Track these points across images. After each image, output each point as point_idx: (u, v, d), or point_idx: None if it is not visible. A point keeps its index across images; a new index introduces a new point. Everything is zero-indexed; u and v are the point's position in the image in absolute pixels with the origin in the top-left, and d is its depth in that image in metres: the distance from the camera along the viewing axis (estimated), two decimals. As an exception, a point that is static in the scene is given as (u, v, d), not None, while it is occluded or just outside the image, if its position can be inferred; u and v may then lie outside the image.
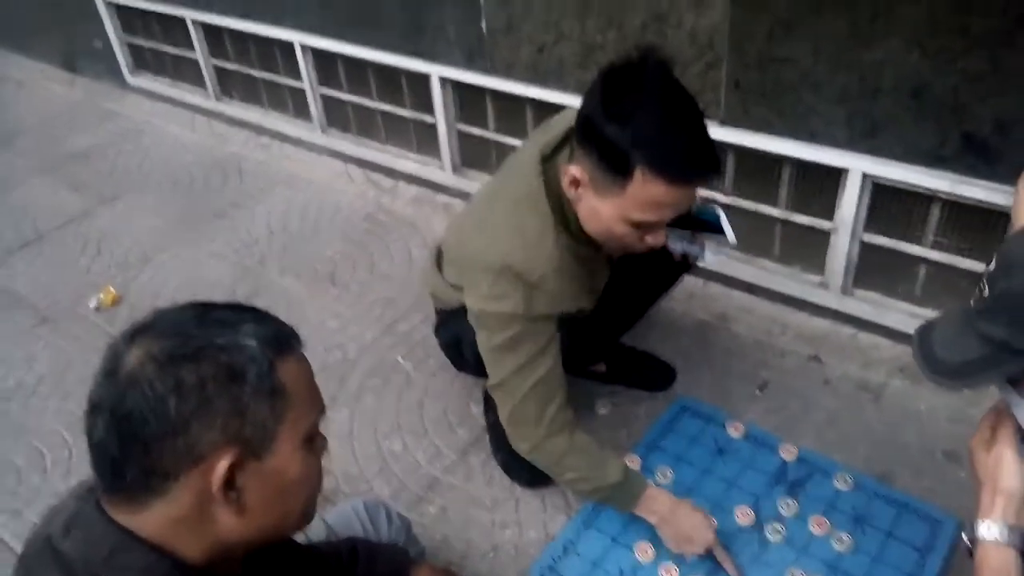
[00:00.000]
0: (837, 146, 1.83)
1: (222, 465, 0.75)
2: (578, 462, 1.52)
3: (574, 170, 1.33)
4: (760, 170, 2.02)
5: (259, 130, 3.37)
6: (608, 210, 1.33)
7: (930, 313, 1.93)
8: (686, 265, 1.70)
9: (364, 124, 3.01)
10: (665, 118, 1.24)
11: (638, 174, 1.25)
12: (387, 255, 2.60)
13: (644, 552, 1.59)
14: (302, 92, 3.09)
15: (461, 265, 1.56)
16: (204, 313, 0.80)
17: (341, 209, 2.87)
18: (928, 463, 1.71)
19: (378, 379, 2.11)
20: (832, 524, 1.59)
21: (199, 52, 3.37)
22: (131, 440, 0.74)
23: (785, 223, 2.07)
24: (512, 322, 1.42)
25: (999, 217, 1.72)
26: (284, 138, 3.28)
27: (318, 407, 0.87)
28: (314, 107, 3.09)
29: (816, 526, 1.59)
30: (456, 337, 1.67)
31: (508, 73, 2.36)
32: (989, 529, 0.95)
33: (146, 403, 0.73)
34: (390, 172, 2.96)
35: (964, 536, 0.99)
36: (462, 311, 1.54)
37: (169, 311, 0.81)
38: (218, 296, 2.42)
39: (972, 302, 0.94)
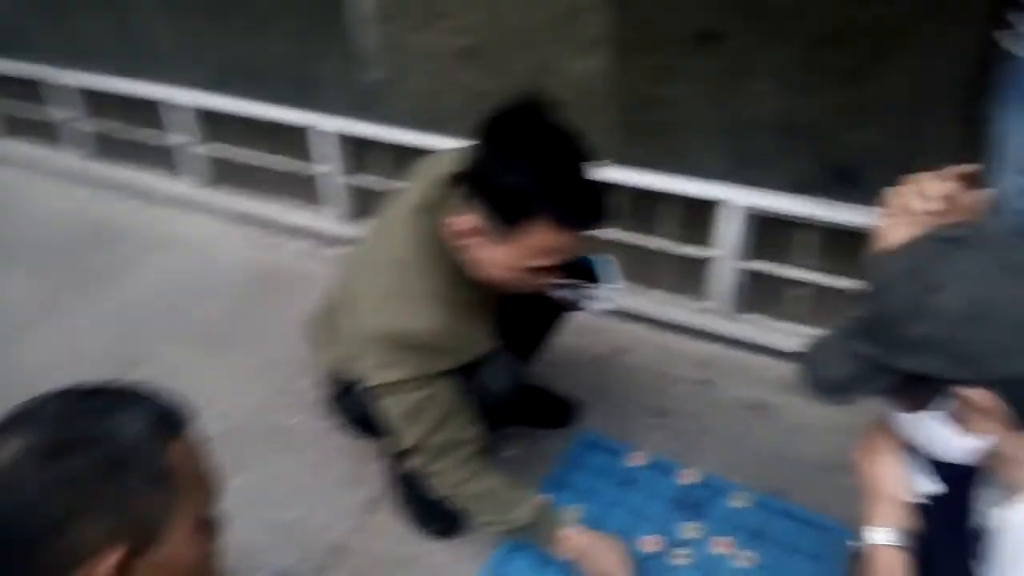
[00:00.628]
0: (717, 179, 1.93)
1: (108, 565, 0.70)
2: (491, 505, 1.51)
3: (467, 220, 1.32)
4: (647, 205, 2.10)
5: (136, 191, 3.24)
6: (503, 257, 1.33)
7: (811, 331, 2.04)
8: (571, 308, 1.71)
9: (247, 179, 2.95)
10: (558, 166, 1.26)
11: (533, 221, 1.26)
12: (277, 314, 2.52)
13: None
14: (181, 149, 3.00)
15: (348, 336, 1.51)
16: (83, 399, 0.76)
17: (227, 268, 2.78)
18: (818, 475, 1.78)
19: (271, 444, 2.02)
20: (735, 543, 1.63)
21: (69, 113, 3.23)
22: (10, 543, 0.68)
23: (671, 254, 2.15)
24: (410, 388, 1.40)
25: (869, 238, 1.85)
26: (163, 198, 3.16)
27: (213, 488, 0.83)
28: (195, 164, 3.00)
29: (720, 547, 1.63)
30: (362, 411, 1.60)
31: (397, 122, 2.38)
32: (876, 534, 1.00)
33: (24, 503, 0.67)
34: (277, 227, 2.90)
35: (854, 543, 1.04)
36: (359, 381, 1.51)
37: (46, 398, 0.76)
38: (100, 369, 2.28)
39: (845, 322, 1.00)
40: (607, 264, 1.53)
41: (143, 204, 3.19)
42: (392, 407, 1.44)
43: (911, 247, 0.92)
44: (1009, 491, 0.92)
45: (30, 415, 0.73)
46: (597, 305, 1.53)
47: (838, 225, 1.85)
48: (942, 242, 0.88)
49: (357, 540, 1.76)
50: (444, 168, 1.44)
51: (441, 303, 1.39)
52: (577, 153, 1.29)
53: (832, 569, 1.56)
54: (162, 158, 3.13)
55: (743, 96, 1.79)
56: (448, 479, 1.50)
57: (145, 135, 3.10)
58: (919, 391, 0.90)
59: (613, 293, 1.53)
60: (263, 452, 2.00)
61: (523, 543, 1.61)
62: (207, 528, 0.80)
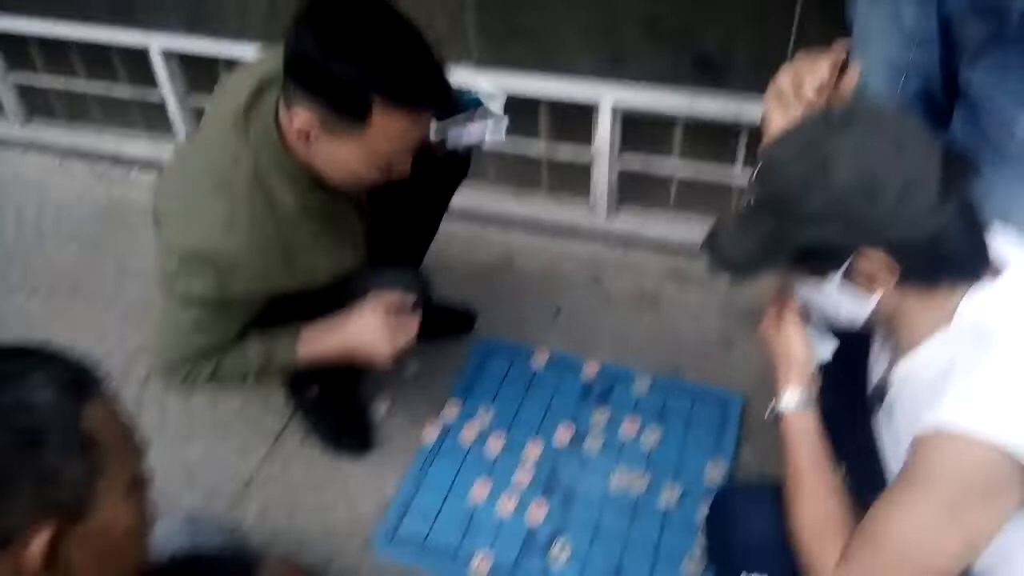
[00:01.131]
0: (586, 79, 1.94)
1: (37, 544, 0.64)
2: (230, 372, 1.42)
3: (300, 120, 1.19)
4: (519, 111, 2.07)
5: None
6: (350, 152, 1.22)
7: (686, 222, 2.14)
8: (463, 161, 1.65)
9: (75, 110, 2.65)
10: (393, 47, 1.16)
11: (377, 109, 1.16)
12: (135, 251, 2.33)
13: (481, 491, 1.62)
14: (-12, 81, 2.64)
15: (162, 242, 1.35)
16: None
17: (65, 208, 2.52)
18: (707, 352, 1.91)
19: (157, 386, 1.90)
20: (641, 423, 1.73)
21: None
22: None
23: (549, 160, 2.17)
24: (207, 307, 1.31)
25: (731, 128, 1.95)
26: (-27, 137, 2.80)
27: (138, 447, 0.77)
28: (5, 98, 2.66)
29: (627, 429, 1.73)
30: None
31: (239, 36, 2.20)
32: (789, 399, 1.08)
33: None
34: (117, 160, 2.64)
35: (770, 409, 1.12)
36: None
37: None
38: (-67, 333, 2.05)
39: (743, 204, 1.05)
40: (481, 96, 1.46)
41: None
42: (177, 316, 1.34)
43: (802, 127, 0.97)
44: (898, 350, 1.02)
45: None
46: (489, 137, 1.46)
47: (704, 116, 1.93)
48: (830, 121, 0.94)
49: (267, 471, 1.72)
50: (253, 77, 1.31)
51: (255, 226, 1.26)
52: (410, 32, 1.18)
53: (730, 436, 1.70)
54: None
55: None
56: (196, 383, 1.41)
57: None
58: (818, 260, 0.97)
59: (502, 123, 1.45)
60: (151, 395, 1.88)
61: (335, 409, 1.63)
62: (138, 488, 0.75)
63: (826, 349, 1.15)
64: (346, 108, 1.16)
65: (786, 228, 0.94)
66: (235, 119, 1.28)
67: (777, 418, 1.10)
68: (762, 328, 1.16)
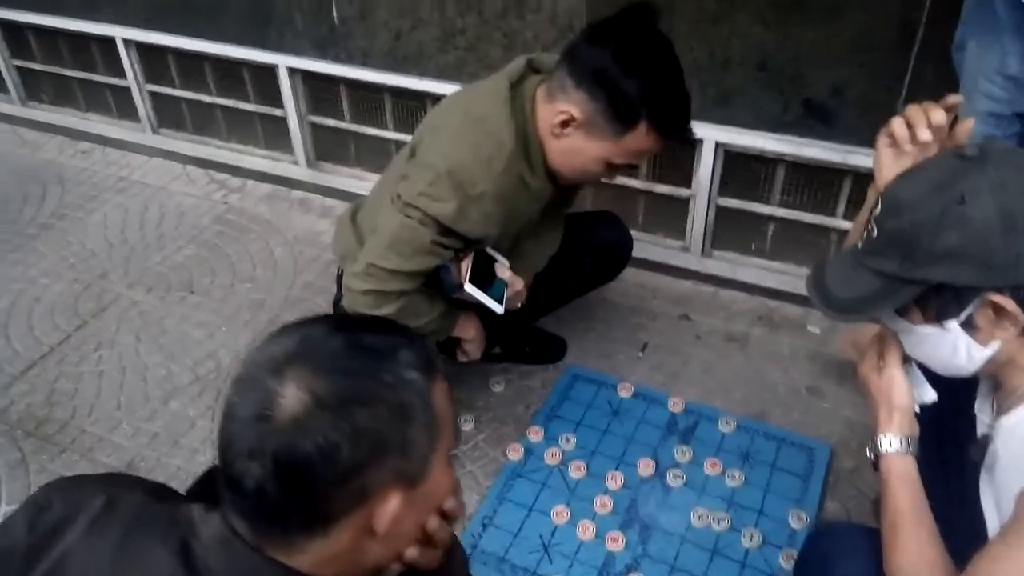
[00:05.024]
0: (692, 117, 1.97)
1: (391, 505, 0.71)
2: (420, 305, 1.54)
3: (570, 109, 1.38)
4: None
5: (76, 134, 3.08)
6: (595, 151, 1.42)
7: (780, 266, 2.14)
8: (621, 259, 1.89)
9: (202, 121, 2.84)
10: (672, 77, 1.38)
11: (641, 126, 1.37)
12: (246, 257, 2.48)
13: (560, 515, 1.64)
14: (126, 91, 2.86)
15: (412, 164, 1.49)
16: (353, 339, 0.74)
17: (185, 212, 2.70)
18: (795, 399, 1.89)
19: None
20: (723, 464, 1.73)
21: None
22: (298, 488, 0.68)
23: (648, 194, 2.20)
24: (427, 228, 1.42)
25: (835, 173, 1.94)
26: (107, 141, 3.03)
27: (457, 420, 0.83)
28: (141, 106, 2.87)
29: (710, 467, 1.72)
30: None
31: (363, 61, 2.33)
32: (891, 442, 1.07)
33: (318, 452, 0.66)
34: (236, 170, 2.81)
35: (868, 452, 1.11)
36: None
37: (311, 334, 0.73)
38: (62, 317, 2.21)
39: (860, 244, 1.06)
40: (501, 285, 1.60)
41: (87, 148, 3.05)
42: (397, 231, 1.43)
43: (931, 166, 0.97)
44: (1006, 400, 1.00)
45: (304, 355, 0.70)
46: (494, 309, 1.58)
47: (808, 161, 1.93)
48: (960, 159, 0.94)
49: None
50: (505, 77, 1.46)
51: (507, 175, 1.42)
52: (678, 65, 1.39)
53: (815, 485, 1.68)
54: (104, 100, 2.98)
55: (718, 33, 1.83)
56: (372, 303, 1.48)
57: (85, 76, 2.94)
58: (940, 303, 0.96)
59: (497, 307, 1.57)
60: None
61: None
62: (451, 459, 0.81)
63: (928, 393, 1.13)
64: (618, 117, 1.37)
65: (911, 267, 0.93)
66: (506, 91, 1.44)
67: (876, 461, 1.09)
68: (862, 370, 1.15)
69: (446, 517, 0.83)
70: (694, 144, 2.01)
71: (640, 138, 1.39)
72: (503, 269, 1.58)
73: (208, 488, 0.75)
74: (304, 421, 0.67)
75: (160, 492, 0.80)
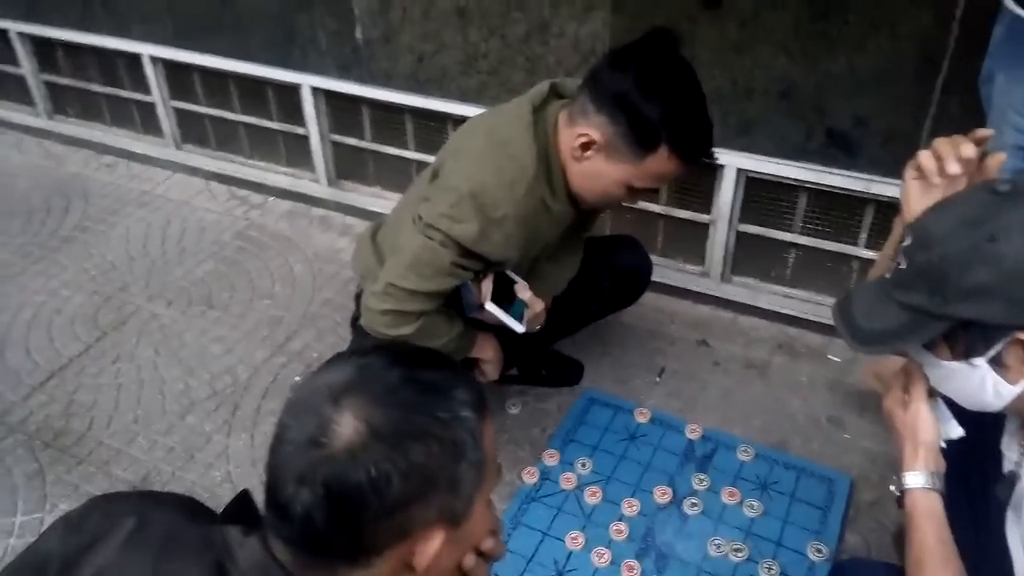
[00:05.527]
0: (714, 144, 1.97)
1: (434, 543, 0.71)
2: (438, 326, 1.54)
3: (590, 132, 1.38)
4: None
5: (101, 148, 3.12)
6: (616, 174, 1.42)
7: (800, 293, 2.12)
8: (640, 284, 1.88)
9: (225, 138, 2.87)
10: (693, 102, 1.38)
11: (662, 150, 1.37)
12: (266, 273, 2.49)
13: (575, 541, 1.63)
14: (151, 106, 2.90)
15: (435, 187, 1.49)
16: (411, 373, 0.73)
17: (207, 228, 2.72)
18: (815, 428, 1.87)
19: (275, 401, 2.01)
20: (742, 493, 1.71)
21: (26, 67, 3.07)
22: (345, 518, 0.67)
23: (667, 218, 2.20)
24: (448, 250, 1.42)
25: (858, 202, 1.93)
26: (132, 156, 3.06)
27: (500, 465, 0.83)
28: (166, 122, 2.91)
29: (728, 496, 1.70)
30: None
31: (386, 83, 2.35)
32: (916, 478, 1.05)
33: (369, 483, 0.66)
34: (259, 187, 2.84)
35: (893, 488, 1.09)
36: None
37: (369, 365, 0.73)
38: (82, 328, 2.23)
39: (888, 276, 1.04)
40: (520, 305, 1.60)
41: (111, 162, 3.09)
42: (419, 252, 1.43)
43: (962, 200, 0.96)
44: None
45: (360, 386, 0.71)
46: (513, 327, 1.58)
47: (830, 189, 1.92)
48: (992, 194, 0.93)
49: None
50: (528, 101, 1.47)
51: (529, 197, 1.43)
52: (700, 91, 1.39)
53: (835, 517, 1.65)
54: (129, 115, 3.02)
55: (741, 63, 1.84)
56: (391, 322, 1.47)
57: (111, 91, 2.98)
58: (968, 339, 0.95)
59: (517, 326, 1.57)
60: (268, 409, 1.99)
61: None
62: (490, 501, 0.81)
63: (954, 429, 1.11)
64: (638, 140, 1.37)
65: (940, 303, 0.92)
66: (529, 115, 1.45)
67: (901, 497, 1.07)
68: (887, 403, 1.13)
69: (484, 556, 0.82)
70: (715, 170, 2.01)
71: (661, 162, 1.39)
72: (523, 290, 1.58)
73: (242, 511, 0.75)
74: (358, 451, 0.67)
75: (191, 507, 0.80)
